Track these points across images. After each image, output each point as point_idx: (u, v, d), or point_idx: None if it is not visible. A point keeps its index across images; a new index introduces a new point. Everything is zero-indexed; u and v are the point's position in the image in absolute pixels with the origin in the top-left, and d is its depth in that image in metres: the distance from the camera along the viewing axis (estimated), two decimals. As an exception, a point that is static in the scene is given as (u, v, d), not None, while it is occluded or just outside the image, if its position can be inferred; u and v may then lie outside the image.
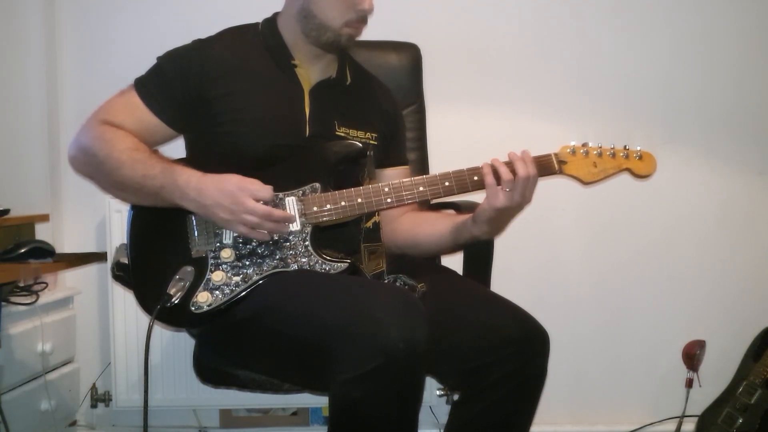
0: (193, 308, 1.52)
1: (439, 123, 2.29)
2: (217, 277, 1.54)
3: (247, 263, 1.55)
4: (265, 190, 1.53)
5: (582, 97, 2.44)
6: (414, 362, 1.33)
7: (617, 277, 2.48)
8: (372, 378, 1.31)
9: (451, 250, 1.75)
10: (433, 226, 1.72)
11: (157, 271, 1.56)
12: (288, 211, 1.57)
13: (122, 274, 1.62)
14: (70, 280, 2.43)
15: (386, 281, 1.63)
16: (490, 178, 1.56)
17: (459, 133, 2.40)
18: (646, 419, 2.49)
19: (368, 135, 1.74)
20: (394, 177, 1.73)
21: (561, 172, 1.63)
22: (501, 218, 1.62)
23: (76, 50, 2.41)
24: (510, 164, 1.56)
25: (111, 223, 2.19)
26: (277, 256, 1.56)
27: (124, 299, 2.20)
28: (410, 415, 1.39)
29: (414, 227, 1.75)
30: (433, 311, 1.48)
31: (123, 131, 1.62)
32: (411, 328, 1.33)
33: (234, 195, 1.51)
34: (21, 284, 2.10)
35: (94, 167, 1.62)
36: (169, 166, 1.56)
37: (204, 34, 1.74)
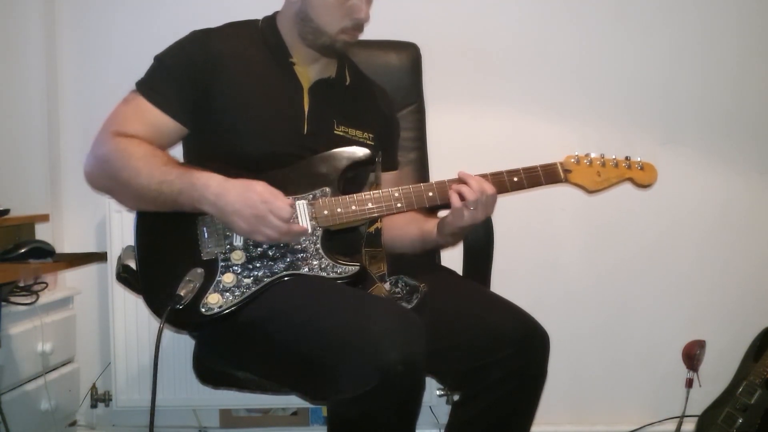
0: (203, 310, 1.51)
1: (439, 123, 2.29)
2: (228, 279, 1.53)
3: (258, 265, 1.55)
4: (287, 210, 1.52)
5: (582, 97, 2.44)
6: (412, 380, 1.34)
7: (617, 277, 2.48)
8: (370, 398, 1.31)
9: (421, 252, 1.77)
10: (403, 232, 1.75)
11: (166, 273, 1.55)
12: (299, 215, 1.57)
13: (128, 277, 1.61)
14: (70, 280, 2.43)
15: (389, 282, 1.63)
16: (455, 199, 1.58)
17: (459, 133, 2.40)
18: (646, 419, 2.49)
19: (366, 135, 1.74)
20: (386, 181, 1.73)
21: (566, 180, 1.66)
22: (463, 232, 1.66)
23: (76, 50, 2.41)
24: (473, 184, 1.58)
25: (111, 223, 2.19)
26: (288, 259, 1.55)
27: (124, 299, 2.20)
28: (408, 430, 1.39)
29: (387, 231, 1.76)
30: (433, 312, 1.49)
31: (136, 140, 1.59)
32: (409, 347, 1.33)
33: (256, 208, 1.50)
34: (21, 284, 2.10)
35: (112, 178, 1.59)
36: (186, 170, 1.54)
37: (203, 33, 1.74)
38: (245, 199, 1.50)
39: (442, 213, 2.06)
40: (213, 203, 1.51)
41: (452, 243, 1.71)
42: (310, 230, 1.57)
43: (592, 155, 1.67)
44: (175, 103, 1.63)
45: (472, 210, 1.57)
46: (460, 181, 1.59)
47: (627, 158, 1.69)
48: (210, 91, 1.63)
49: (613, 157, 1.69)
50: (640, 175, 1.69)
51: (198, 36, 1.69)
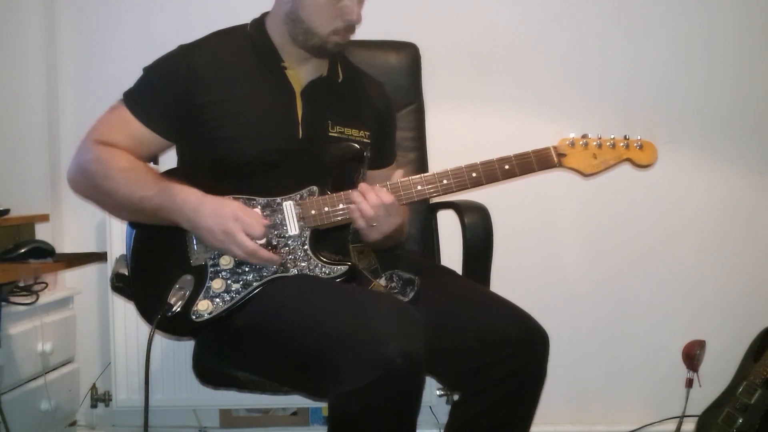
0: (193, 317, 1.52)
1: (439, 122, 2.29)
2: (217, 284, 1.54)
3: (247, 269, 1.55)
4: (259, 228, 1.53)
5: (582, 97, 2.44)
6: (412, 375, 1.34)
7: (617, 277, 2.48)
8: (370, 391, 1.31)
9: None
10: None
11: (157, 281, 1.56)
12: (286, 216, 1.57)
13: (122, 285, 1.62)
14: (70, 280, 2.43)
15: (383, 276, 1.63)
16: (359, 221, 1.54)
17: (458, 133, 2.40)
18: (646, 419, 2.49)
19: (362, 133, 1.74)
20: (383, 177, 1.73)
21: (561, 165, 1.62)
22: (385, 239, 1.60)
23: (76, 50, 2.41)
24: (371, 198, 1.54)
25: (111, 223, 2.19)
26: None
27: (124, 300, 2.20)
28: (409, 425, 1.40)
29: None
30: (432, 312, 1.49)
31: (118, 150, 1.61)
32: (408, 340, 1.33)
33: (227, 224, 1.51)
34: (21, 284, 2.10)
35: (93, 189, 1.62)
36: (167, 186, 1.55)
37: (204, 33, 1.74)
38: (217, 216, 1.51)
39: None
40: (189, 219, 1.53)
41: (383, 245, 1.65)
42: (297, 231, 1.57)
43: (589, 136, 1.62)
44: (156, 117, 1.65)
45: (374, 226, 1.55)
46: (361, 194, 1.55)
47: (625, 137, 1.63)
48: (197, 104, 1.64)
49: (611, 137, 1.63)
50: (639, 156, 1.63)
51: (183, 51, 1.69)
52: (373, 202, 1.54)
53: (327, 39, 1.64)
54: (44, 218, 2.28)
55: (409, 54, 2.16)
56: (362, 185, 1.57)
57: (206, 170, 1.63)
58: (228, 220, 1.51)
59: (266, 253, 1.54)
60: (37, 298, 2.10)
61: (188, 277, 1.55)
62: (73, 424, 2.40)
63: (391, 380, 1.31)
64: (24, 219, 2.17)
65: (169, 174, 1.62)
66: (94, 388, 2.38)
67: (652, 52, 2.45)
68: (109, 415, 2.42)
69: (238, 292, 1.53)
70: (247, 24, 1.75)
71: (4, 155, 2.31)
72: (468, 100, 2.43)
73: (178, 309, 1.52)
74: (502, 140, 2.36)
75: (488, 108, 2.43)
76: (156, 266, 1.60)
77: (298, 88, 1.70)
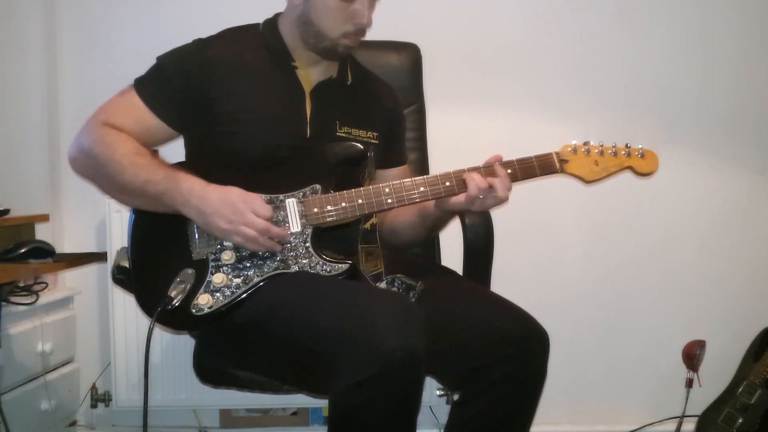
0: (193, 310, 1.52)
1: (439, 123, 2.29)
2: (218, 279, 1.54)
3: (248, 265, 1.55)
4: (266, 208, 1.54)
5: (582, 96, 2.44)
6: (412, 369, 1.34)
7: (617, 277, 2.48)
8: (370, 385, 1.31)
9: (425, 233, 1.76)
10: (407, 213, 1.74)
11: (157, 274, 1.56)
12: (288, 213, 1.58)
13: (123, 278, 1.62)
14: (70, 280, 2.43)
15: (385, 281, 1.63)
16: (473, 188, 1.56)
17: (459, 133, 2.40)
18: (646, 419, 2.49)
19: (370, 134, 1.74)
20: (394, 177, 1.73)
21: (562, 171, 1.63)
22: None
23: (76, 50, 2.41)
24: (488, 175, 1.57)
25: (111, 223, 2.19)
26: (278, 258, 1.56)
27: (124, 299, 2.20)
28: (409, 420, 1.39)
29: (394, 216, 1.76)
30: (432, 312, 1.49)
31: (124, 134, 1.61)
32: (408, 334, 1.33)
33: (236, 206, 1.52)
34: (21, 284, 2.10)
35: (95, 170, 1.62)
36: (172, 172, 1.56)
37: (204, 33, 1.74)
38: (225, 200, 1.52)
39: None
40: (195, 206, 1.53)
41: (451, 218, 1.72)
42: (299, 228, 1.57)
43: (591, 143, 1.63)
44: (166, 105, 1.65)
45: (481, 198, 1.57)
46: (488, 168, 1.58)
47: (627, 146, 1.64)
48: (207, 97, 1.64)
49: (613, 144, 1.64)
50: (640, 164, 1.64)
51: (197, 45, 1.70)
52: (498, 186, 1.56)
53: (337, 42, 1.65)
54: (44, 218, 2.28)
55: (410, 54, 2.16)
56: (494, 162, 1.58)
57: (212, 164, 1.63)
58: (236, 202, 1.52)
59: (278, 229, 1.54)
60: (37, 298, 2.10)
61: (189, 270, 1.55)
62: (73, 424, 2.40)
63: (391, 374, 1.31)
64: (24, 219, 2.17)
65: (174, 167, 1.62)
66: (94, 388, 2.38)
67: (653, 53, 2.45)
68: (109, 415, 2.43)
69: (238, 287, 1.53)
70: (259, 24, 1.76)
71: (4, 155, 2.31)
72: (469, 100, 2.43)
73: (178, 302, 1.52)
74: (503, 140, 2.39)
75: (489, 108, 2.43)
76: (157, 259, 1.59)
77: (307, 88, 1.70)
